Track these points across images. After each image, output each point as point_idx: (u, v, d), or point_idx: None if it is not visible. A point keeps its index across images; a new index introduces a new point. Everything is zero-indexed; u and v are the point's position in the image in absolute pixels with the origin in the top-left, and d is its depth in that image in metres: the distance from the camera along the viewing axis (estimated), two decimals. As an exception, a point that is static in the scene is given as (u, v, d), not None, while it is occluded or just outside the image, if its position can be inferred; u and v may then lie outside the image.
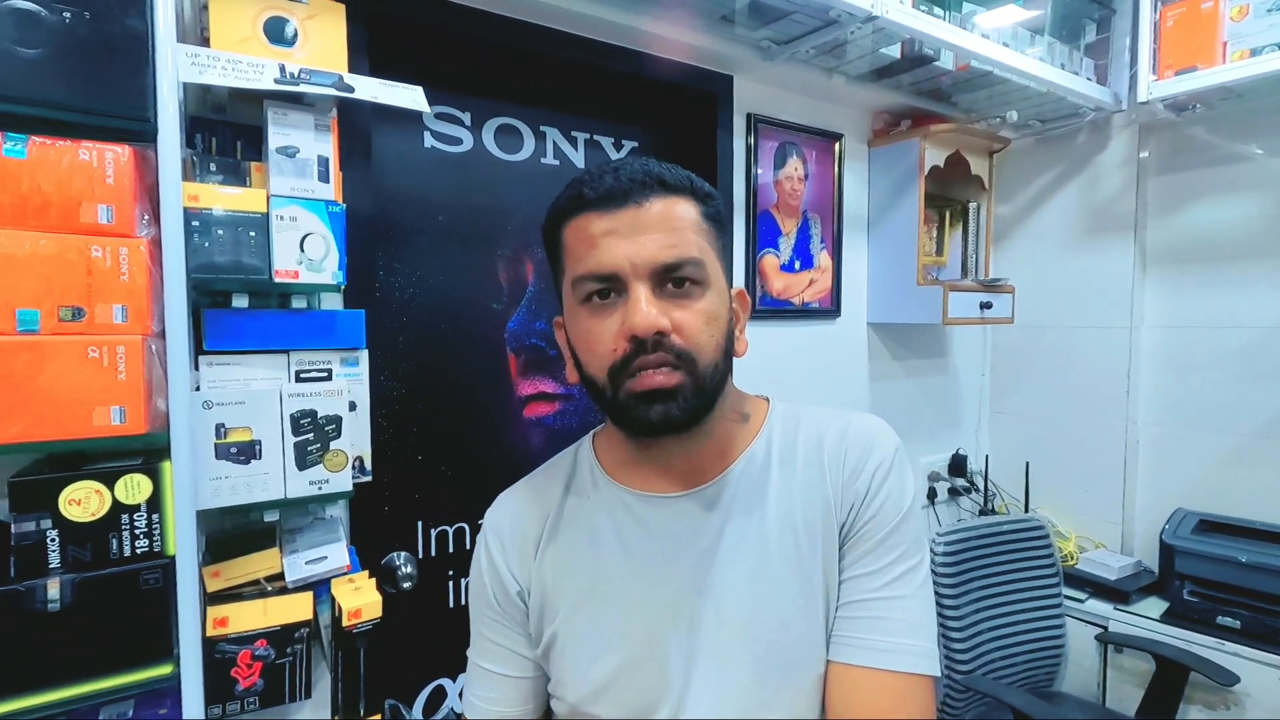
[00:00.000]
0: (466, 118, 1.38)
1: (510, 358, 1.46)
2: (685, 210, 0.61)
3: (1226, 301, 1.86)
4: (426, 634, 1.36)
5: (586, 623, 0.65)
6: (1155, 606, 1.77)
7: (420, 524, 1.36)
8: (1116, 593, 1.82)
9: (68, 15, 0.73)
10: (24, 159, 0.73)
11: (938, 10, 1.47)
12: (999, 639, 1.73)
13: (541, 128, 1.47)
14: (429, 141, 1.34)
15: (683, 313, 0.59)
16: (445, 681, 1.40)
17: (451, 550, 1.40)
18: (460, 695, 1.40)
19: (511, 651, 0.70)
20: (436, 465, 1.37)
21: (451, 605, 1.41)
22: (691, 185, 0.62)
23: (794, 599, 0.61)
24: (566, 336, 0.67)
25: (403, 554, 1.30)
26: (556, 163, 1.50)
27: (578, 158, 1.52)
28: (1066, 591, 1.85)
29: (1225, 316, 1.86)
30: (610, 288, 0.60)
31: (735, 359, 0.66)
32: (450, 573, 1.40)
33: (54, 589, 0.76)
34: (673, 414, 0.59)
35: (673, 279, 0.59)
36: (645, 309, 0.57)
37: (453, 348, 1.38)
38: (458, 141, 1.37)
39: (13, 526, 0.76)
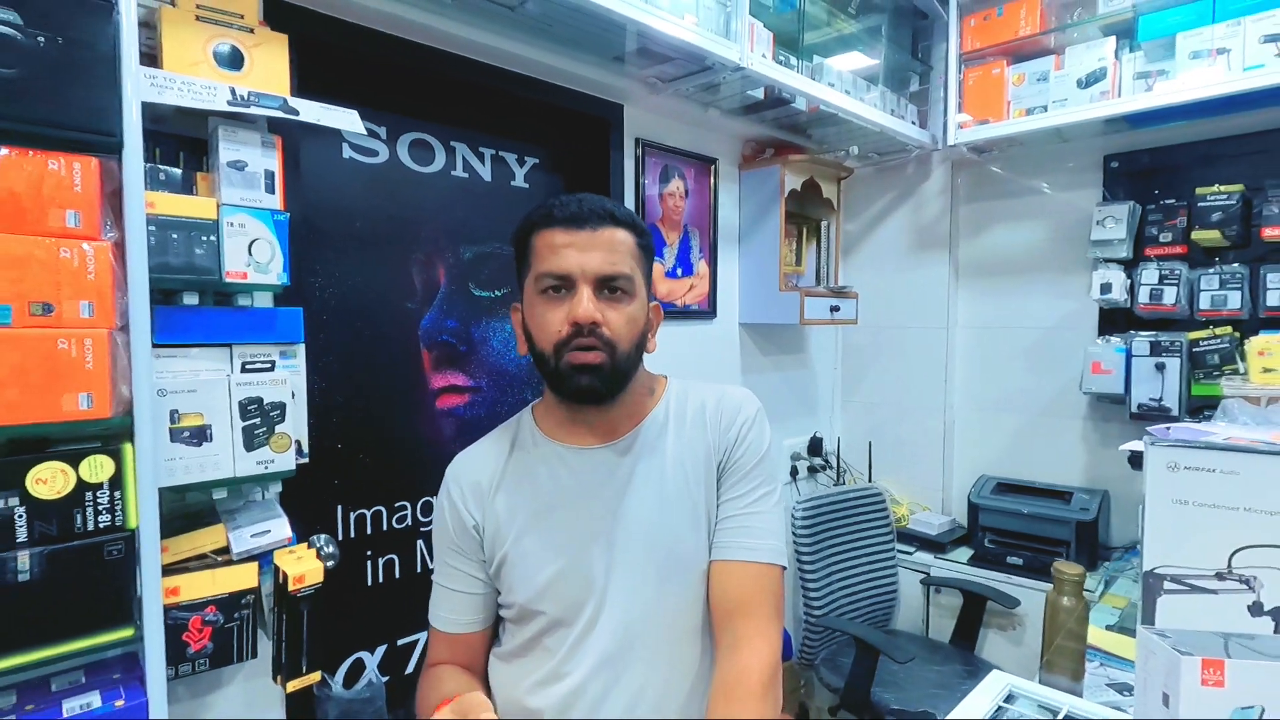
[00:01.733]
0: (383, 131, 1.49)
1: (424, 353, 1.59)
2: (625, 238, 0.82)
3: (1018, 307, 2.31)
4: (346, 611, 1.45)
5: (530, 543, 0.84)
6: (964, 554, 2.18)
7: (340, 507, 1.46)
8: (936, 544, 2.21)
9: (41, 39, 0.81)
10: (-4, 167, 0.80)
11: (794, 61, 1.77)
12: (846, 586, 2.07)
13: (452, 143, 1.61)
14: (347, 152, 1.45)
15: (612, 312, 0.80)
16: (364, 654, 1.50)
17: (370, 532, 1.51)
18: (378, 668, 1.51)
19: (468, 575, 0.88)
20: (355, 453, 1.48)
21: (369, 583, 1.51)
22: (632, 221, 0.84)
23: (685, 520, 0.83)
24: (522, 319, 0.86)
25: (323, 535, 1.39)
26: (466, 175, 1.64)
27: (485, 171, 1.68)
28: (899, 546, 2.22)
29: (1017, 319, 2.31)
30: (563, 285, 0.80)
31: (646, 353, 0.88)
32: (368, 553, 1.51)
33: (24, 560, 0.83)
34: (595, 385, 0.80)
35: (609, 286, 0.80)
36: (586, 305, 0.78)
37: (370, 344, 1.49)
38: (374, 154, 1.48)
39: (-18, 504, 0.82)
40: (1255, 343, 1.62)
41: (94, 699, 0.90)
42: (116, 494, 0.90)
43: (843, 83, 1.94)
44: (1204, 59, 1.68)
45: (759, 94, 1.80)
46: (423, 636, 1.59)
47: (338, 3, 1.26)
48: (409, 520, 1.57)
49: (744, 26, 1.57)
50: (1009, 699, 1.04)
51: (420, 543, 1.59)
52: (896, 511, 2.36)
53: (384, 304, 1.51)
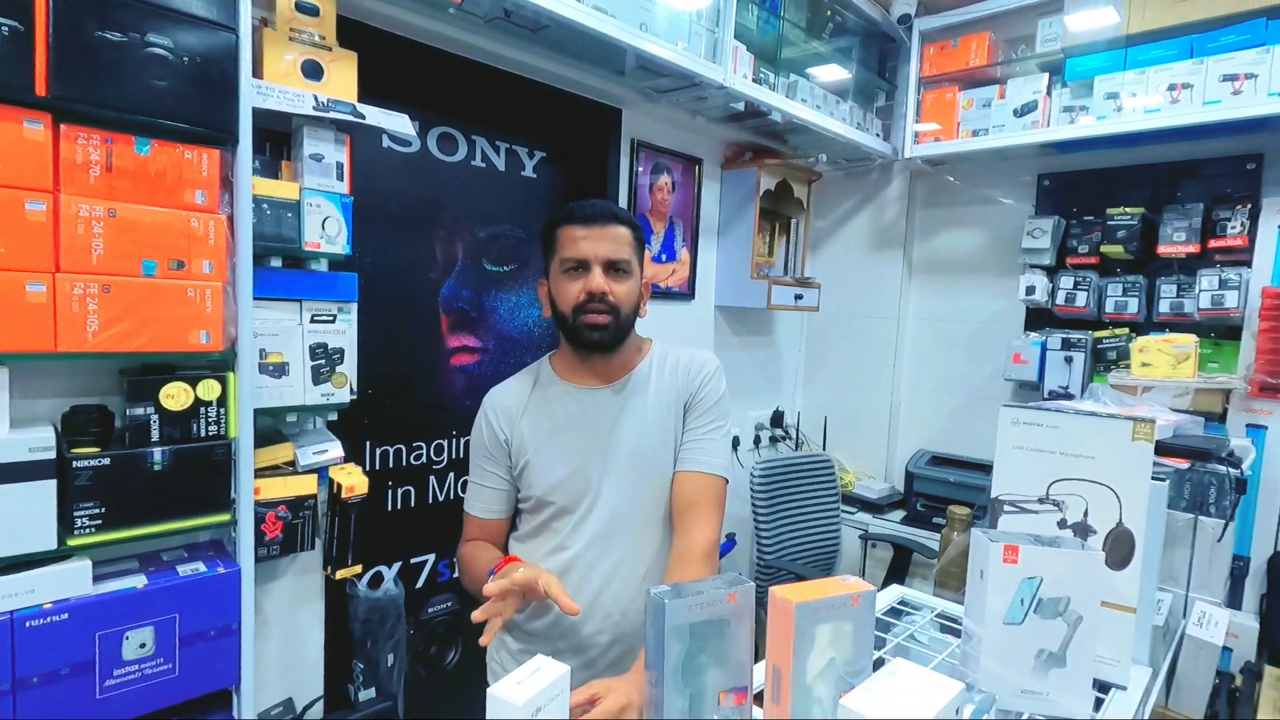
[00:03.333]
0: (416, 125, 1.74)
1: (442, 317, 1.85)
2: (625, 233, 1.12)
3: (961, 303, 2.63)
4: (370, 531, 1.73)
5: (546, 454, 1.14)
6: (899, 515, 2.51)
7: (368, 443, 1.74)
8: (876, 506, 2.54)
9: (185, 59, 1.06)
10: (148, 155, 1.06)
11: (772, 77, 2.04)
12: (795, 538, 2.39)
13: (473, 136, 1.87)
14: (386, 143, 1.70)
15: (617, 285, 1.10)
16: (383, 568, 1.79)
17: (392, 465, 1.78)
18: (395, 578, 1.79)
19: (497, 475, 1.18)
20: (382, 398, 1.74)
21: (388, 509, 1.79)
22: (630, 220, 1.14)
23: (659, 441, 1.14)
24: (548, 291, 1.16)
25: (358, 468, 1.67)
26: (483, 165, 1.90)
27: (500, 162, 1.93)
28: (844, 507, 2.55)
29: (958, 313, 2.63)
30: (580, 266, 1.10)
31: (640, 318, 1.18)
32: (389, 483, 1.79)
33: (158, 454, 1.10)
34: (604, 338, 1.10)
35: (614, 267, 1.10)
36: (598, 279, 1.09)
37: (398, 307, 1.75)
38: (408, 145, 1.74)
39: (127, 411, 1.09)
40: (1138, 342, 1.94)
41: (200, 566, 1.18)
42: (222, 410, 1.16)
43: (814, 99, 2.22)
44: (1115, 100, 1.99)
45: (740, 106, 2.06)
46: (431, 558, 1.88)
47: (394, 22, 1.51)
48: (424, 458, 1.85)
49: (728, 49, 1.84)
50: (901, 602, 1.36)
51: (432, 478, 1.87)
52: (844, 478, 2.69)
53: (411, 273, 1.77)
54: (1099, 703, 1.02)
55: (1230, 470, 1.39)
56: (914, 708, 0.52)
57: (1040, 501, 1.12)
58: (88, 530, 1.04)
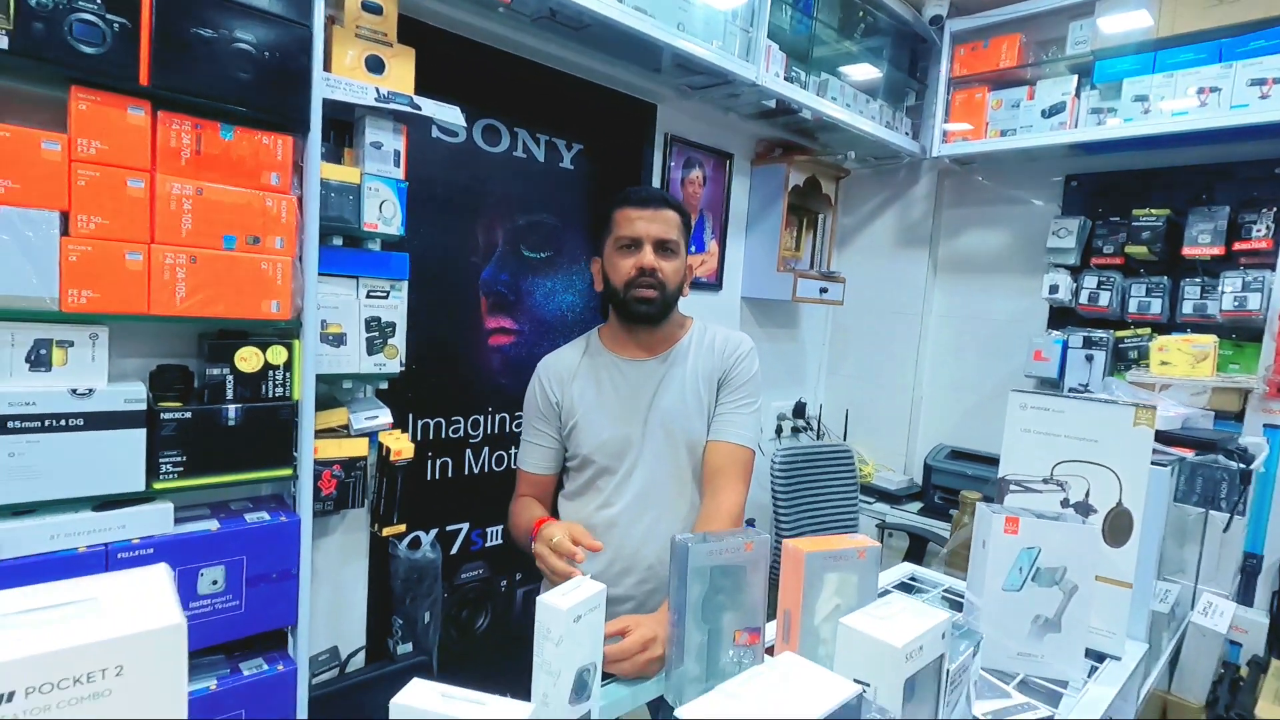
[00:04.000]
0: (463, 117, 1.85)
1: (482, 300, 1.96)
2: (674, 217, 1.25)
3: (984, 301, 2.67)
4: (411, 497, 1.84)
5: (594, 416, 1.26)
6: (916, 506, 2.57)
7: (411, 415, 1.85)
8: (894, 497, 2.60)
9: (267, 54, 1.17)
10: (231, 140, 1.17)
11: (803, 76, 2.11)
12: (814, 525, 2.45)
13: (515, 129, 1.97)
14: (435, 133, 1.80)
15: (665, 263, 1.22)
16: (420, 533, 1.90)
17: (432, 437, 1.90)
18: (432, 542, 1.91)
19: (547, 434, 1.31)
20: (425, 374, 1.86)
21: (427, 479, 1.91)
22: (679, 205, 1.27)
23: (694, 412, 1.25)
24: (602, 266, 1.28)
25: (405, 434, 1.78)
26: (524, 156, 2.00)
27: (539, 153, 2.03)
28: (862, 497, 2.61)
29: (982, 311, 2.67)
30: (634, 244, 1.22)
31: (681, 297, 1.29)
32: (429, 454, 1.90)
33: (233, 410, 1.22)
34: (651, 311, 1.23)
35: (663, 247, 1.22)
36: (649, 256, 1.21)
37: (442, 288, 1.86)
38: (455, 135, 1.84)
39: (205, 371, 1.21)
40: (1158, 341, 1.98)
41: (264, 515, 1.29)
42: (288, 374, 1.28)
43: (845, 97, 2.28)
44: (1143, 102, 2.02)
45: (772, 104, 2.13)
46: (465, 526, 1.99)
47: (448, 20, 1.62)
48: (461, 432, 1.96)
49: (761, 48, 1.91)
50: (911, 578, 1.43)
51: (468, 451, 1.98)
52: (863, 469, 2.74)
53: (454, 257, 1.88)
54: (1093, 671, 1.09)
55: (1238, 464, 1.43)
56: (906, 628, 0.60)
57: (1045, 482, 1.19)
58: (171, 476, 1.16)
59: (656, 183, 2.20)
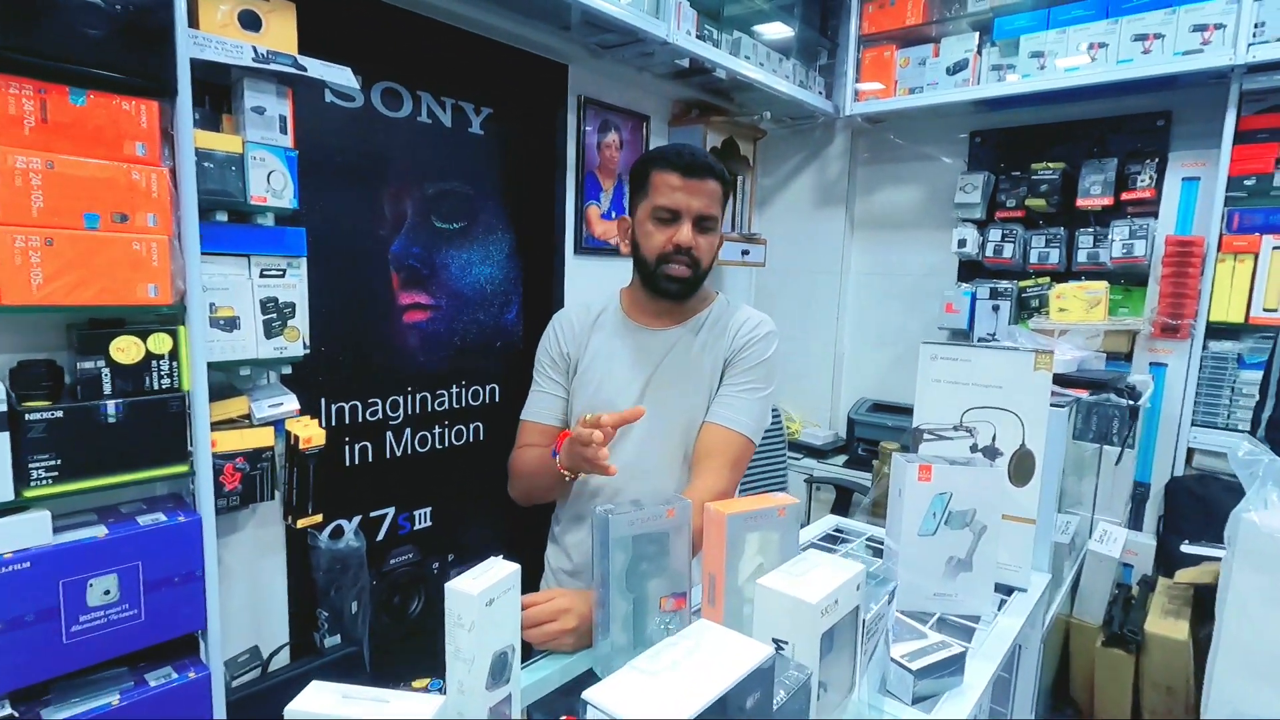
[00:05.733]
0: (359, 80, 1.72)
1: (393, 275, 1.87)
2: (716, 188, 1.18)
3: (899, 256, 2.74)
4: (328, 486, 1.76)
5: (597, 373, 1.25)
6: (841, 459, 2.65)
7: (323, 400, 1.76)
8: (820, 452, 2.68)
9: (118, 6, 1.05)
10: (84, 106, 1.05)
11: (716, 34, 2.07)
12: (745, 484, 2.49)
13: (418, 92, 1.86)
14: (328, 97, 1.68)
15: (703, 239, 1.18)
16: (343, 521, 1.82)
17: (348, 421, 1.81)
18: (355, 530, 1.84)
19: (556, 383, 1.29)
20: (336, 355, 1.76)
21: (346, 464, 1.82)
22: (723, 174, 1.20)
23: (695, 388, 1.23)
24: (631, 229, 1.23)
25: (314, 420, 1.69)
26: (429, 121, 1.89)
27: (446, 118, 1.93)
28: (790, 454, 2.67)
29: (897, 266, 2.75)
30: (673, 217, 1.16)
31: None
32: (346, 439, 1.81)
33: (111, 406, 1.11)
34: (681, 290, 1.20)
35: (703, 222, 1.17)
36: (688, 233, 1.15)
37: (348, 263, 1.76)
38: (351, 99, 1.72)
39: (77, 365, 1.09)
40: (1056, 289, 2.09)
41: (160, 516, 1.20)
42: (174, 363, 1.18)
43: (758, 56, 2.26)
44: (1039, 58, 2.09)
45: (685, 63, 2.09)
46: (390, 511, 1.93)
47: (327, -31, 1.49)
48: (380, 415, 1.88)
49: (672, 5, 1.86)
50: (837, 529, 1.47)
51: (389, 434, 1.90)
52: (790, 427, 2.81)
53: (359, 230, 1.77)
54: (1002, 604, 1.15)
55: (1127, 401, 1.53)
56: (821, 584, 0.61)
57: (955, 429, 1.23)
58: (44, 482, 1.05)
59: (571, 147, 2.14)
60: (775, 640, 0.59)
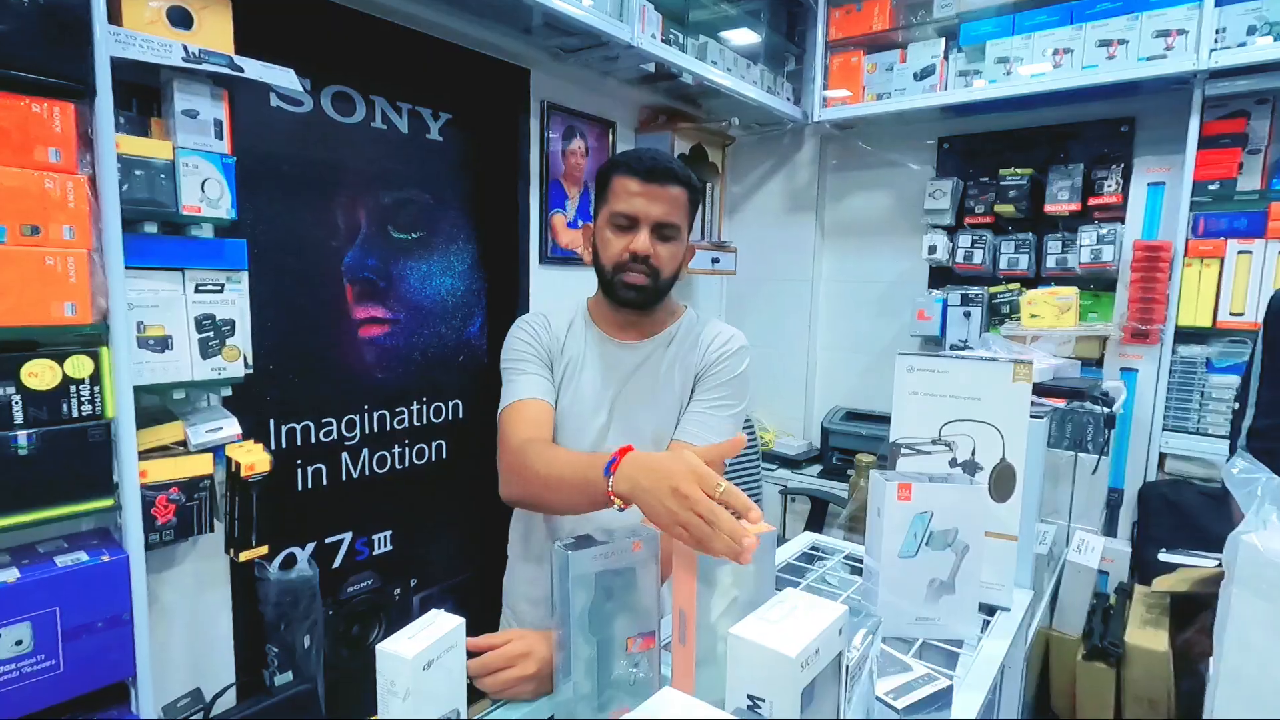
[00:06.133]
0: (306, 83, 1.64)
1: (347, 287, 1.77)
2: (680, 194, 1.10)
3: (870, 263, 2.72)
4: (278, 512, 1.66)
5: (571, 379, 1.17)
6: (816, 469, 2.61)
7: (273, 421, 1.66)
8: (794, 463, 2.63)
9: (27, 1, 0.96)
10: (-13, 108, 0.95)
11: (682, 39, 2.03)
12: (718, 498, 2.44)
13: (372, 97, 1.77)
14: (274, 102, 1.59)
15: (662, 248, 1.10)
16: (296, 549, 1.72)
17: (300, 443, 1.71)
18: (309, 559, 1.73)
19: (543, 364, 1.18)
20: (286, 374, 1.66)
21: (299, 489, 1.72)
22: (689, 179, 1.12)
23: (665, 405, 1.17)
24: (593, 236, 1.16)
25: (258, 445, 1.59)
26: (384, 127, 1.81)
27: (402, 124, 1.85)
28: (764, 465, 2.62)
29: (868, 273, 2.72)
30: (630, 224, 1.09)
31: (679, 281, 1.18)
32: (297, 461, 1.71)
33: (22, 438, 1.01)
34: (639, 299, 1.12)
35: (662, 230, 1.09)
36: (645, 241, 1.08)
37: (298, 276, 1.66)
38: (299, 104, 1.63)
39: (-18, 392, 0.99)
40: (1027, 295, 2.07)
41: (81, 555, 1.10)
42: (96, 388, 1.08)
43: (725, 61, 2.22)
44: (1005, 64, 2.08)
45: (651, 68, 2.04)
46: (348, 536, 1.83)
47: (269, -34, 1.41)
48: (335, 435, 1.78)
49: (636, 8, 1.81)
50: (813, 548, 1.42)
51: (345, 455, 1.81)
52: (764, 437, 2.76)
53: (309, 241, 1.68)
54: (985, 625, 1.11)
55: (1102, 408, 1.51)
56: (800, 632, 0.55)
57: (934, 443, 1.19)
58: (-56, 523, 0.95)
59: (535, 154, 2.07)
60: (750, 697, 0.52)
